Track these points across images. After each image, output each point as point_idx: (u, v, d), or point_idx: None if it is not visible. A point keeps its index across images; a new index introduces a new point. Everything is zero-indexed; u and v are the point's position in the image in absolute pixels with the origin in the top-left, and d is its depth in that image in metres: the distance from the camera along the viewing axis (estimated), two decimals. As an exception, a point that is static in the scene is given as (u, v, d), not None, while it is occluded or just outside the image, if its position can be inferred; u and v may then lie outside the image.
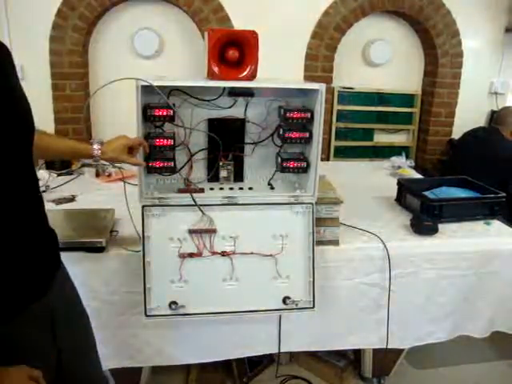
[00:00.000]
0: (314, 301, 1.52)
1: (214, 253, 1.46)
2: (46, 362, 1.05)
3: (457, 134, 3.42)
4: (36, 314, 1.01)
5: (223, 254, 1.47)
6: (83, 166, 2.55)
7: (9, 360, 0.91)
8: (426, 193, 2.05)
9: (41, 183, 2.15)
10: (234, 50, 1.37)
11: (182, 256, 1.44)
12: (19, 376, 0.90)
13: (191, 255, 1.45)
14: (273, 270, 1.50)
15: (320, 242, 1.61)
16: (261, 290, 1.51)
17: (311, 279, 1.51)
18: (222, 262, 1.47)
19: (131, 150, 1.40)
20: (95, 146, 1.35)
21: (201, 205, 1.44)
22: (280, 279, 1.51)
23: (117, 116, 3.04)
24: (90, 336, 1.30)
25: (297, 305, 1.51)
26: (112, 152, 1.37)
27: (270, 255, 1.49)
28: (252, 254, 1.48)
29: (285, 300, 1.50)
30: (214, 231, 1.46)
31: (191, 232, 1.45)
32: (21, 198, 0.98)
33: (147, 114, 1.37)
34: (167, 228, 1.45)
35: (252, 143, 1.57)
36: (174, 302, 1.44)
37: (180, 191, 1.49)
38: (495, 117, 3.14)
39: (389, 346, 1.79)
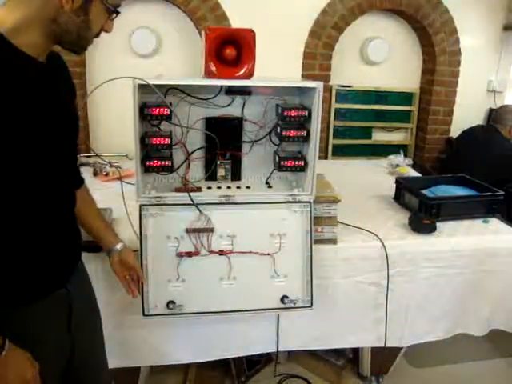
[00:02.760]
0: (311, 300, 1.52)
1: (211, 252, 1.46)
2: (59, 349, 1.13)
3: (455, 132, 3.42)
4: (54, 302, 1.09)
5: (221, 253, 1.46)
6: (81, 165, 2.54)
7: (21, 342, 0.97)
8: (425, 191, 2.05)
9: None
10: (231, 49, 1.36)
11: (180, 255, 1.44)
12: (20, 363, 0.96)
13: (189, 254, 1.45)
14: (270, 269, 1.50)
15: (318, 241, 1.61)
16: (258, 289, 1.51)
17: (309, 278, 1.51)
18: (220, 261, 1.47)
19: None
20: (119, 246, 1.37)
21: (198, 204, 1.44)
22: (278, 278, 1.51)
23: (114, 115, 3.03)
24: (101, 332, 1.35)
25: (295, 304, 1.51)
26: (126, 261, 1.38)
27: (268, 254, 1.49)
28: (250, 253, 1.48)
29: (283, 299, 1.51)
30: (211, 230, 1.46)
31: (189, 231, 1.44)
32: (59, 193, 1.08)
33: (144, 113, 1.36)
34: (165, 227, 1.44)
35: (249, 142, 1.57)
36: (172, 302, 1.44)
37: (177, 190, 1.49)
38: (493, 115, 3.14)
39: (387, 345, 1.79)
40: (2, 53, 0.88)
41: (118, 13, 1.04)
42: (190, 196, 1.43)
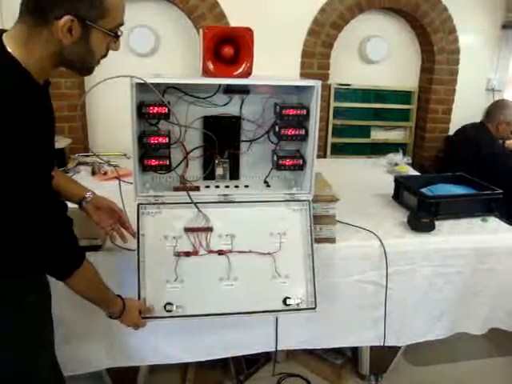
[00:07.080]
0: (315, 301, 1.47)
1: (210, 251, 1.44)
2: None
3: (454, 130, 3.41)
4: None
5: (220, 252, 1.45)
6: (79, 164, 2.54)
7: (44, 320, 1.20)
8: (423, 190, 2.04)
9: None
10: (229, 48, 1.36)
11: (178, 255, 1.42)
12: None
13: (187, 254, 1.43)
14: (271, 269, 1.47)
15: (316, 240, 1.60)
16: (259, 290, 1.46)
17: (311, 277, 1.47)
18: (219, 261, 1.45)
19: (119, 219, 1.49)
20: (89, 193, 1.45)
21: (196, 202, 1.43)
22: (279, 279, 1.47)
23: (112, 114, 3.02)
24: None
25: (298, 305, 1.46)
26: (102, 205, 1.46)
27: (268, 253, 1.47)
28: (250, 252, 1.45)
29: (285, 300, 1.46)
30: (210, 229, 1.45)
31: (187, 230, 1.43)
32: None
33: (142, 112, 1.36)
34: (163, 226, 1.43)
35: (248, 141, 1.57)
36: (170, 303, 1.41)
37: (176, 189, 1.49)
38: (484, 113, 3.13)
39: (386, 344, 1.79)
40: (36, 91, 1.00)
41: (118, 36, 1.08)
42: (188, 194, 1.42)
